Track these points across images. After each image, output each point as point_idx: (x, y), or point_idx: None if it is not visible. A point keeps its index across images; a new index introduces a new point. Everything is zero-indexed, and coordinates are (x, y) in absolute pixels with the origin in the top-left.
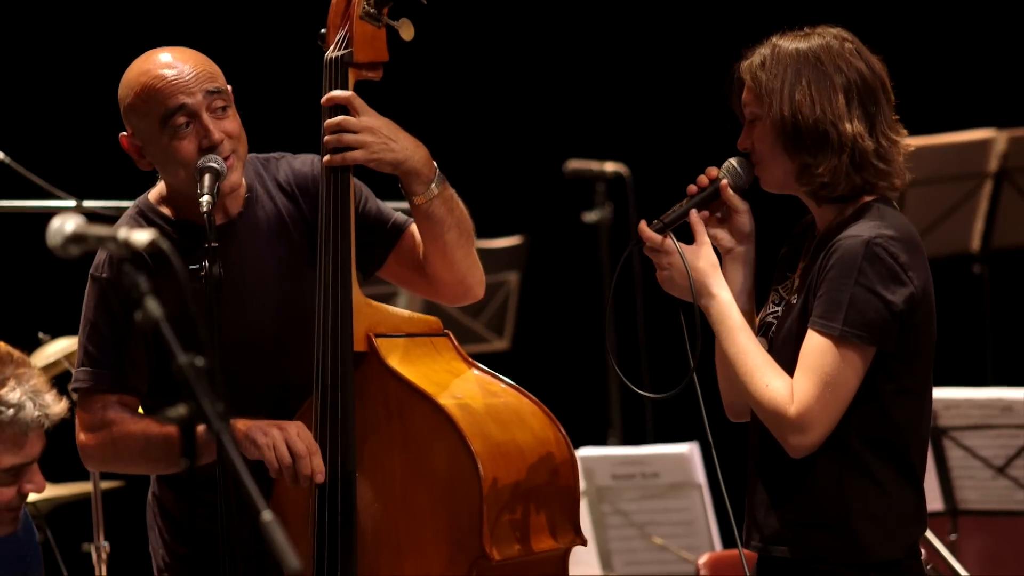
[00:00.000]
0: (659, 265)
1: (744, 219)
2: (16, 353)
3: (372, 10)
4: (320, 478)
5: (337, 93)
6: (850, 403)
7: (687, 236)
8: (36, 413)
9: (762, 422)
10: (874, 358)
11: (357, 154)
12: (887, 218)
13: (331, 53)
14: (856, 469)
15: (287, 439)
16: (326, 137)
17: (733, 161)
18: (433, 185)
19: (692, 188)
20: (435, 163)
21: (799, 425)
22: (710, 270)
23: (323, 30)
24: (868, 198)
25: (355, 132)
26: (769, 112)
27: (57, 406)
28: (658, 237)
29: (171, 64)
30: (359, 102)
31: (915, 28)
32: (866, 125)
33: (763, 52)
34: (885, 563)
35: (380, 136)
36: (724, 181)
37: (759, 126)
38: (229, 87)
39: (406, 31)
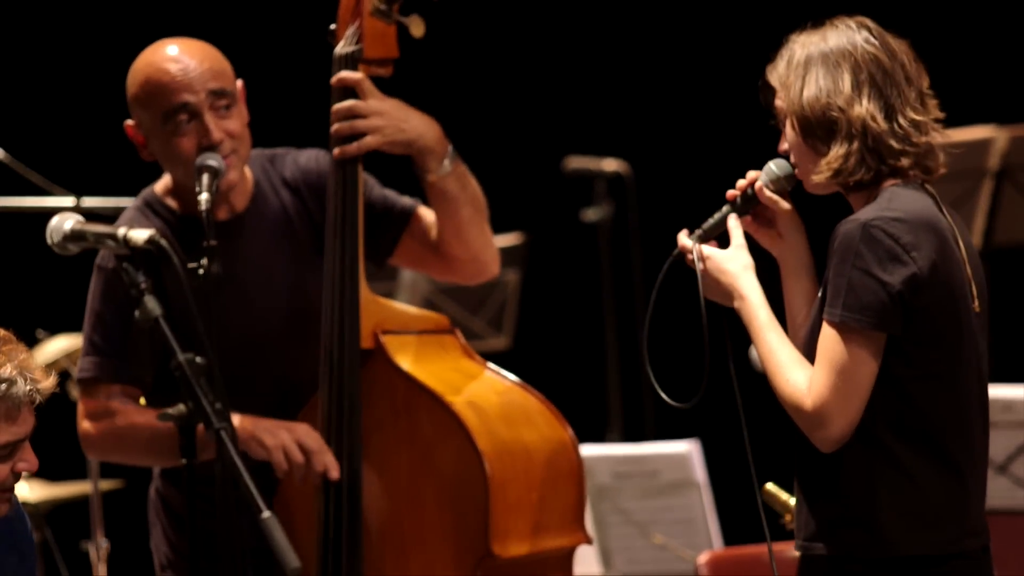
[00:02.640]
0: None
1: (786, 221)
2: (2, 331)
3: (383, 6)
4: (336, 473)
5: (347, 75)
6: (871, 392)
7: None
8: (27, 387)
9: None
10: (888, 343)
11: (371, 140)
12: (896, 200)
13: (341, 49)
14: (884, 461)
15: (297, 440)
16: (336, 125)
17: (771, 163)
18: (446, 161)
19: (731, 193)
20: (448, 140)
21: (817, 418)
22: (741, 272)
23: (332, 26)
24: (891, 182)
25: (366, 117)
26: (787, 109)
27: (46, 381)
28: (691, 245)
29: (177, 59)
30: (368, 84)
31: (914, 26)
32: (880, 106)
33: (783, 52)
34: (920, 559)
35: (391, 118)
36: (759, 184)
37: (787, 125)
38: (240, 82)
39: (416, 27)
